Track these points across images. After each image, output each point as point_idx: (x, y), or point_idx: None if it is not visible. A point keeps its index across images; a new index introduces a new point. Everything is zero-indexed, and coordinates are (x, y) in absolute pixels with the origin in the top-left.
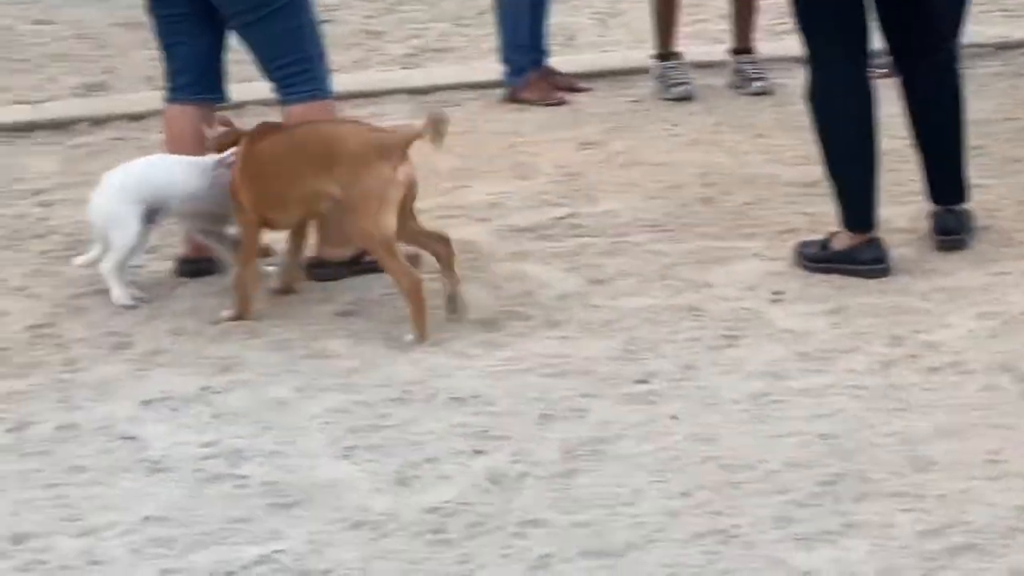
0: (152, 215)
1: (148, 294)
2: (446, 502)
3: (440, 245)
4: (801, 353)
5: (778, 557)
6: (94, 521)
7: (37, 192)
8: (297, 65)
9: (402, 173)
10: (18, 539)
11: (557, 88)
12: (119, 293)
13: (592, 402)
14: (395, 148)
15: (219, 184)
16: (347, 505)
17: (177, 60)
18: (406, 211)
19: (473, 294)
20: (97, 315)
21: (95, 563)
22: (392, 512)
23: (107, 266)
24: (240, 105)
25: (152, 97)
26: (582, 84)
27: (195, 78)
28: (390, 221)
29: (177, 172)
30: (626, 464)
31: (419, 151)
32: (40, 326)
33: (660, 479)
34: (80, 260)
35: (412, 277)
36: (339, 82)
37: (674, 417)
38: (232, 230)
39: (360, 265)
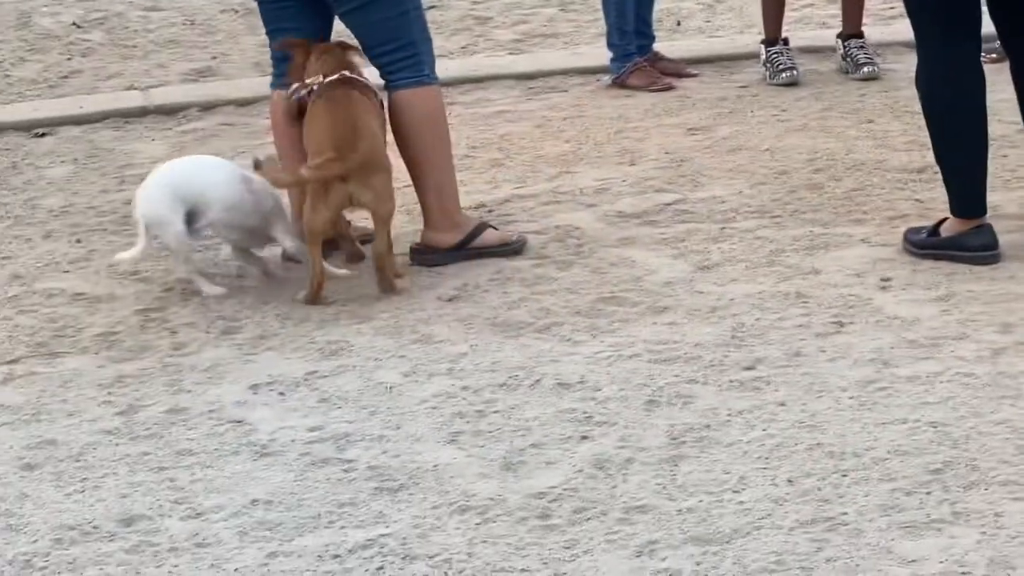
0: (192, 218)
1: (251, 281)
2: (552, 487)
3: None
4: (909, 340)
5: (885, 545)
6: (202, 504)
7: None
8: (402, 51)
9: (335, 195)
10: (128, 521)
11: (664, 74)
12: (206, 287)
13: (698, 388)
14: (332, 165)
15: (257, 197)
16: (453, 490)
17: None
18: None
19: (580, 280)
20: (207, 299)
21: (203, 545)
22: (498, 497)
23: (180, 272)
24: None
25: (260, 83)
26: (689, 69)
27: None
28: (316, 217)
29: (220, 177)
30: (732, 451)
31: (528, 137)
32: (150, 310)
33: (766, 466)
34: (123, 256)
35: (321, 274)
36: (446, 68)
37: (781, 404)
38: (264, 252)
39: (467, 250)
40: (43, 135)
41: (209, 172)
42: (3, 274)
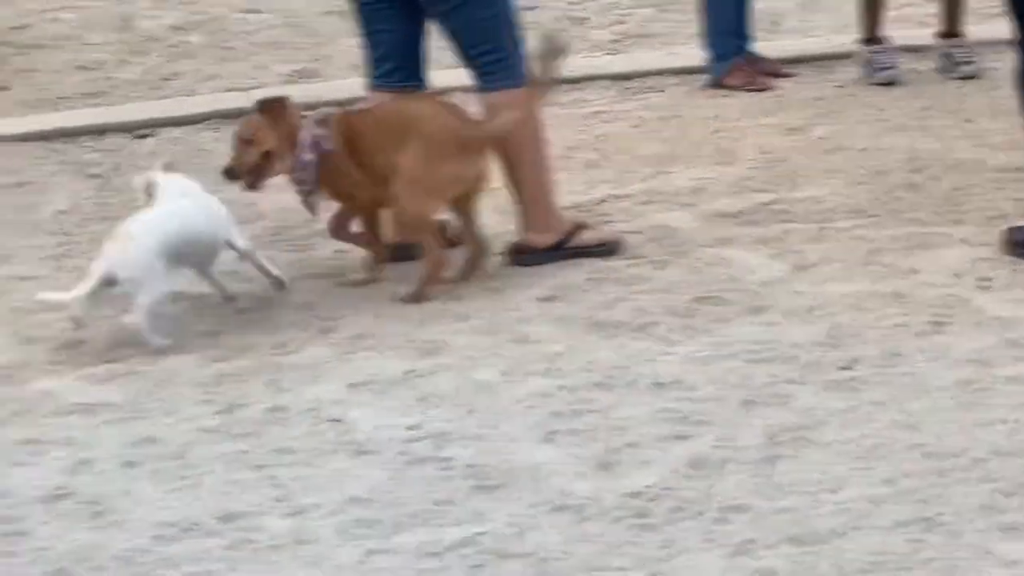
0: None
1: (350, 281)
2: (648, 487)
3: (478, 250)
4: (1010, 340)
5: (984, 546)
6: (301, 501)
7: None
8: (494, 53)
9: (472, 170)
10: (228, 518)
11: (761, 73)
12: (158, 339)
13: (795, 388)
14: (475, 144)
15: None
16: (549, 488)
17: (379, 48)
18: (470, 203)
19: (676, 279)
20: (306, 298)
21: (302, 543)
22: (594, 496)
23: (139, 317)
24: (444, 92)
25: (360, 84)
26: (786, 69)
27: (397, 65)
28: (435, 210)
29: (199, 220)
30: (829, 451)
31: (624, 137)
32: (250, 310)
33: (864, 466)
34: (47, 296)
35: (442, 257)
36: None
37: (879, 404)
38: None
39: (564, 250)
40: (145, 136)
41: (191, 223)
42: None
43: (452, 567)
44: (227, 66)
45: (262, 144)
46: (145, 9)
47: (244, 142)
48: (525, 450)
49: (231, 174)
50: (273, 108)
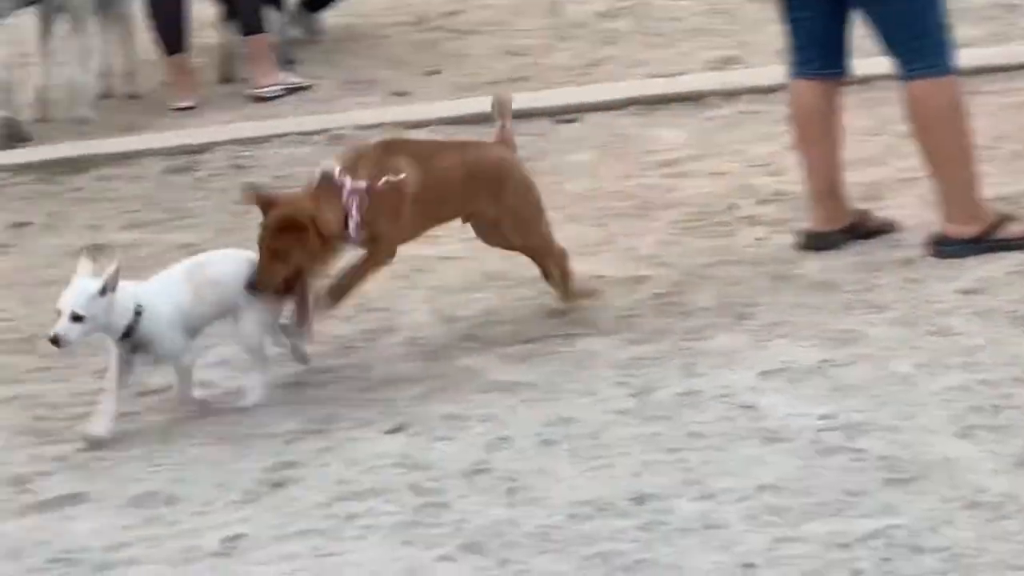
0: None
1: (768, 268)
2: None
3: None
4: None
5: None
6: (711, 486)
7: (668, 163)
8: (918, 41)
9: None
10: (640, 500)
11: None
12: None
13: None
14: None
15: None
16: (965, 484)
17: (801, 35)
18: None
19: None
20: (722, 285)
21: (711, 527)
22: (1011, 494)
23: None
24: (866, 80)
25: (783, 71)
26: None
27: (819, 53)
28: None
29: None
30: None
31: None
32: (667, 294)
33: None
34: None
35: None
36: (973, 56)
37: None
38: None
39: (987, 242)
40: (570, 121)
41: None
42: None
43: (861, 559)
44: (653, 52)
45: (292, 262)
46: None
47: (272, 254)
48: (940, 444)
49: (254, 289)
50: (309, 225)
